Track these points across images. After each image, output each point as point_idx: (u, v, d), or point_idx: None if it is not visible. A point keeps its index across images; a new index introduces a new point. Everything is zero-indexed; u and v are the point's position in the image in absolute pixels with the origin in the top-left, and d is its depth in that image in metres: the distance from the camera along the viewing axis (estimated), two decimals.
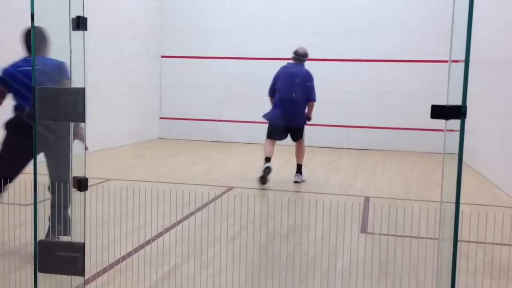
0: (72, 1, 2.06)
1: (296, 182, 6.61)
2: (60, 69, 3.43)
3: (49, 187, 3.02)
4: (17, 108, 3.78)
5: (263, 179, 6.17)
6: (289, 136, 6.79)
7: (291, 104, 6.51)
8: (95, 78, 8.65)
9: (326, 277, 3.32)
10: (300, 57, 6.69)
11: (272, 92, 6.70)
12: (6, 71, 3.95)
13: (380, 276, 3.32)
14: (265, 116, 6.70)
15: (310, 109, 6.70)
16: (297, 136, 6.73)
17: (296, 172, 6.70)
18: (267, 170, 6.30)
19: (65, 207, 2.81)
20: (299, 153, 6.74)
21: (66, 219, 3.06)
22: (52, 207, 3.20)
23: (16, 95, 3.81)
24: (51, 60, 3.62)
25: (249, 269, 3.40)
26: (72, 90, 2.09)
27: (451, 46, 1.84)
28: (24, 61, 3.94)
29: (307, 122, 6.76)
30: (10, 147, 3.77)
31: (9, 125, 3.79)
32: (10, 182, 3.79)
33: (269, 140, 6.65)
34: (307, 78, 6.57)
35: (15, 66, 3.95)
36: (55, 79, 3.46)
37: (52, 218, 3.24)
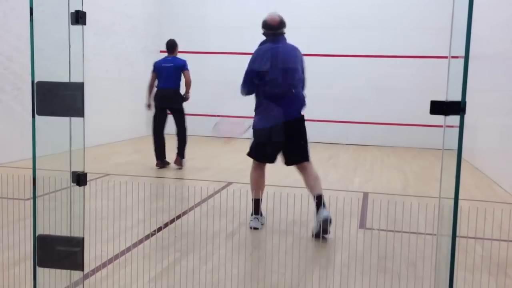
0: None
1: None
2: (183, 64, 7.22)
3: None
4: (159, 87, 7.13)
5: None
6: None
7: (289, 97, 4.28)
8: (93, 73, 8.64)
9: (325, 272, 3.33)
10: (274, 29, 4.55)
11: (251, 86, 4.38)
12: (156, 64, 7.22)
13: (378, 272, 3.33)
14: (255, 128, 4.42)
15: None
16: (302, 159, 4.35)
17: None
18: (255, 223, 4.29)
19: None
20: (311, 178, 4.38)
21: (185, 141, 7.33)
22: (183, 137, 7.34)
23: (160, 79, 7.10)
24: (179, 59, 7.26)
25: (248, 265, 3.41)
26: (71, 85, 2.08)
27: (450, 42, 1.84)
28: (165, 59, 7.25)
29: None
30: (155, 111, 7.17)
31: (155, 97, 7.13)
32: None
33: (259, 166, 4.44)
34: (301, 58, 4.46)
35: (161, 61, 7.24)
36: (180, 71, 7.19)
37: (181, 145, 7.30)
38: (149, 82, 7.22)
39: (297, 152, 4.34)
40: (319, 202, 4.10)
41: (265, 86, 4.28)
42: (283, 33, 4.53)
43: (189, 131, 11.46)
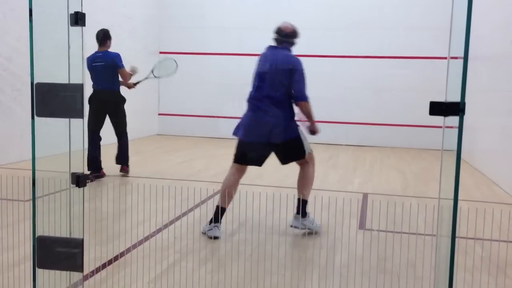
0: None
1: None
2: (114, 60, 6.18)
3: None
4: (94, 87, 6.15)
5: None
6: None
7: (266, 107, 4.08)
8: None
9: (325, 273, 3.33)
10: (282, 37, 4.26)
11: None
12: (87, 59, 6.12)
13: (378, 272, 3.32)
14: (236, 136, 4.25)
15: (305, 114, 4.23)
16: (289, 155, 4.23)
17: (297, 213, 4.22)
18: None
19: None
20: (303, 180, 4.37)
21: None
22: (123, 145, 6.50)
23: (93, 79, 6.14)
24: (110, 53, 6.23)
25: (248, 265, 3.41)
26: (71, 86, 2.08)
27: (450, 43, 1.84)
28: (95, 55, 6.21)
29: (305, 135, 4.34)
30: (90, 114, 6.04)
31: (90, 98, 6.10)
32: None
33: (237, 167, 4.21)
34: (289, 66, 4.10)
35: (91, 57, 6.18)
36: (114, 68, 6.20)
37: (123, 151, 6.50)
38: None
39: (291, 151, 4.20)
40: (299, 206, 4.16)
41: (251, 90, 4.22)
42: (286, 41, 4.25)
43: (188, 132, 11.53)
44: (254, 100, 4.14)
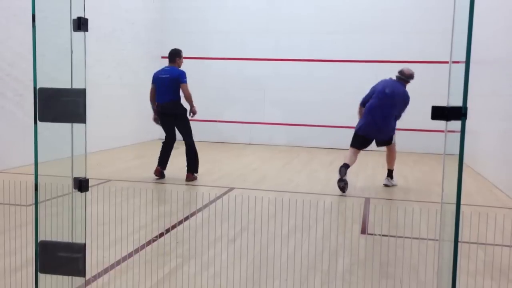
0: (73, 2, 2.06)
1: (385, 185, 6.76)
2: (179, 76, 6.70)
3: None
4: (157, 100, 6.83)
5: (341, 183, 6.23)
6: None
7: (379, 117, 6.62)
8: (95, 79, 8.66)
9: (327, 278, 3.32)
10: (402, 76, 6.76)
11: (365, 102, 6.89)
12: (154, 74, 6.89)
13: (380, 277, 3.32)
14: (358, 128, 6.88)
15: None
16: (386, 144, 6.94)
17: (387, 176, 6.88)
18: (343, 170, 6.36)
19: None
20: (389, 158, 6.95)
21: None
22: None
23: (157, 92, 6.81)
24: (176, 69, 6.81)
25: (250, 270, 3.41)
26: (73, 91, 2.09)
27: (451, 47, 1.84)
28: (163, 69, 6.87)
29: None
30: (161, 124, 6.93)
31: (156, 111, 6.87)
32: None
33: (352, 149, 6.75)
34: (405, 99, 6.68)
35: (159, 71, 6.89)
36: (177, 83, 6.72)
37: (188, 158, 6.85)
38: (150, 94, 6.89)
39: (383, 142, 6.89)
40: (388, 173, 6.88)
41: (370, 101, 6.73)
42: (404, 80, 6.72)
43: None
44: (374, 110, 6.60)
